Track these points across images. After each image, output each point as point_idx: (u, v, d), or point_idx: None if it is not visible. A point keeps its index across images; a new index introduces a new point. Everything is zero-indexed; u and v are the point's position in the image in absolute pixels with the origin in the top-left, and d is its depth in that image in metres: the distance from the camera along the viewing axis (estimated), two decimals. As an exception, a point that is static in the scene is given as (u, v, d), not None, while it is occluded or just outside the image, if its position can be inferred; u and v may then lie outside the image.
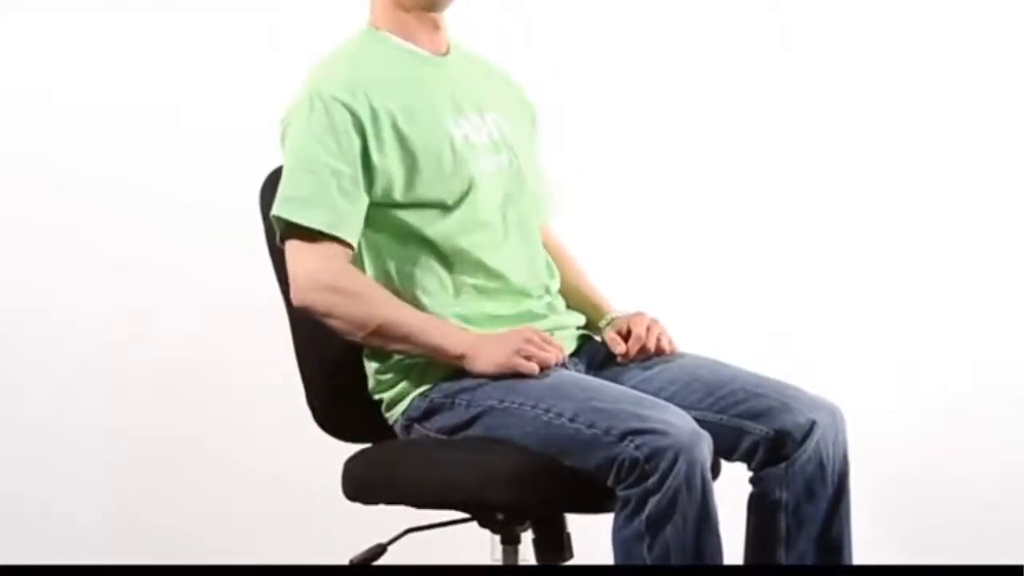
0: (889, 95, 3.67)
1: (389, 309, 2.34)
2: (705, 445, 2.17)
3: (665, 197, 3.68)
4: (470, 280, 2.41)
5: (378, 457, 2.44)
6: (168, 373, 3.60)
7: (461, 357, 2.33)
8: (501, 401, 2.30)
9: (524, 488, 2.25)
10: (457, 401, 2.34)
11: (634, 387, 2.39)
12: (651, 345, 2.45)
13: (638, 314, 2.50)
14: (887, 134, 3.68)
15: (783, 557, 2.33)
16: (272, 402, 3.10)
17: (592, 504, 2.25)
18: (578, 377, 2.35)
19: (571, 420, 2.22)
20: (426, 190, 2.37)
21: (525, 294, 2.45)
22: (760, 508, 2.35)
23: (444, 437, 2.36)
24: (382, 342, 2.35)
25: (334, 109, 2.33)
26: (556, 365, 2.33)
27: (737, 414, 2.34)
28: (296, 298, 2.34)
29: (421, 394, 2.38)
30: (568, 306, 2.56)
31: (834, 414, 2.35)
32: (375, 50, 2.44)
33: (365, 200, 2.35)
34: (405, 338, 2.34)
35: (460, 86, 2.47)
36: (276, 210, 2.34)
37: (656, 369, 2.44)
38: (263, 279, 2.53)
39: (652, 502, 2.14)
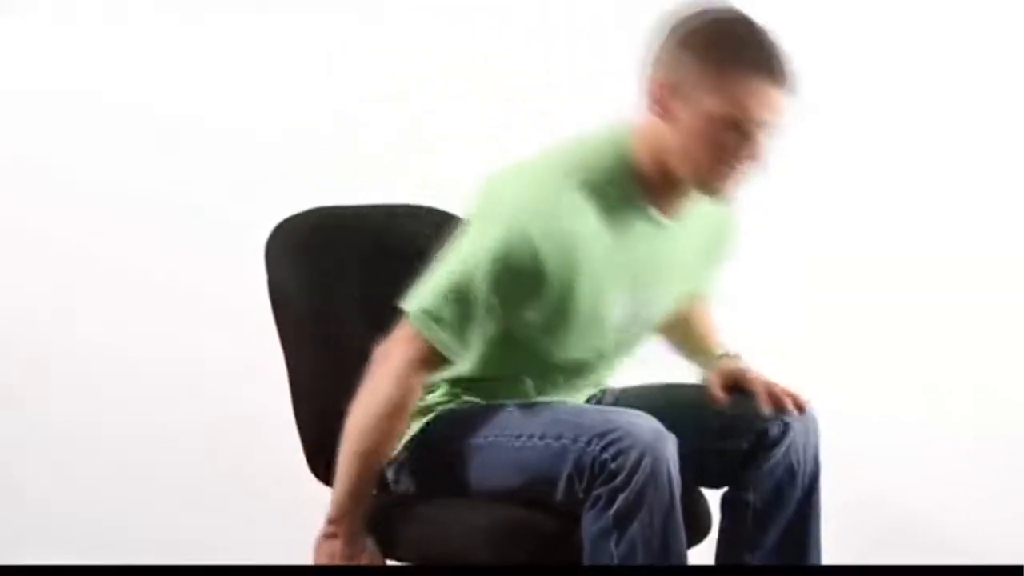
0: (890, 98, 3.67)
1: (370, 460, 2.30)
2: (670, 444, 2.19)
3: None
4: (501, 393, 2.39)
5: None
6: (169, 373, 3.60)
7: (329, 522, 2.35)
8: (485, 437, 2.30)
9: (499, 545, 2.27)
10: (439, 447, 2.36)
11: None
12: (783, 396, 2.37)
13: (743, 369, 2.43)
14: (886, 135, 3.68)
15: (749, 558, 2.35)
16: (271, 403, 3.10)
17: (568, 560, 2.26)
18: (541, 403, 2.35)
19: (540, 438, 2.25)
20: (544, 342, 2.32)
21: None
22: (729, 508, 2.39)
23: (430, 487, 2.37)
24: (343, 453, 2.33)
25: (525, 261, 2.18)
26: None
27: (714, 437, 2.37)
28: (374, 366, 2.28)
29: (403, 447, 2.39)
30: (676, 338, 2.55)
31: (807, 422, 2.37)
32: (608, 193, 2.22)
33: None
34: (342, 472, 2.32)
35: (660, 259, 2.32)
36: (415, 316, 2.24)
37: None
38: (264, 279, 2.54)
39: (620, 498, 2.16)
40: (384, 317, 2.48)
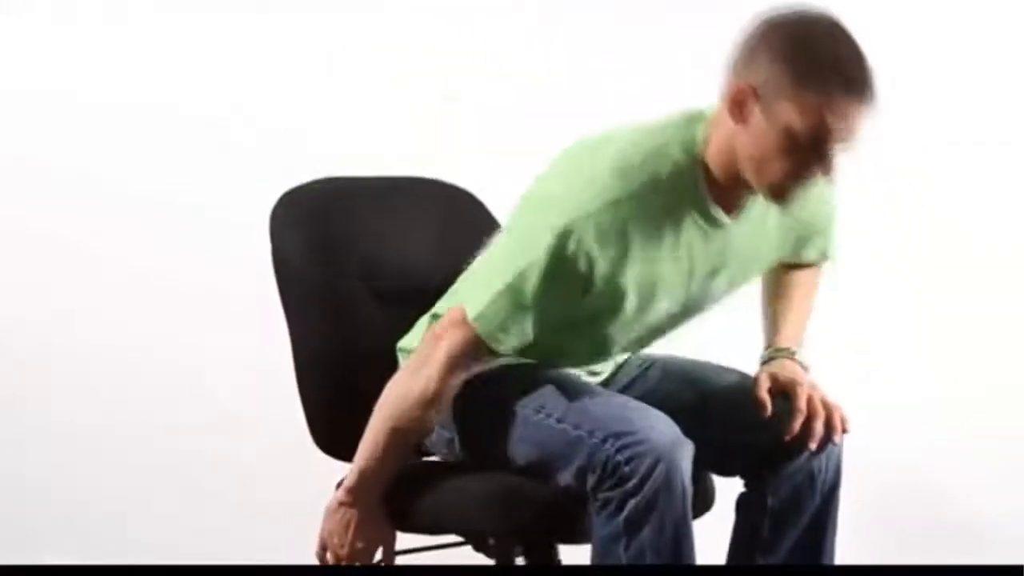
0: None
1: (402, 446, 2.30)
2: (686, 452, 2.18)
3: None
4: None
5: None
6: (169, 373, 3.60)
7: (347, 485, 2.33)
8: (511, 402, 2.29)
9: (496, 513, 2.28)
10: (469, 404, 2.33)
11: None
12: (818, 429, 2.30)
13: (795, 382, 2.35)
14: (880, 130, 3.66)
15: (761, 561, 2.35)
16: (271, 403, 3.10)
17: (565, 530, 2.27)
18: (574, 380, 2.35)
19: (559, 420, 2.23)
20: (589, 329, 2.30)
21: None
22: (746, 509, 2.38)
23: (433, 460, 2.36)
24: (375, 425, 2.32)
25: (578, 260, 2.16)
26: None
27: (736, 428, 2.35)
28: (426, 355, 2.26)
29: None
30: (763, 312, 2.51)
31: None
32: (670, 189, 2.20)
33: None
34: (371, 443, 2.31)
35: (718, 253, 2.28)
36: (468, 304, 2.23)
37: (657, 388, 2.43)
38: (266, 280, 2.54)
39: (631, 504, 2.15)
40: (387, 285, 2.50)
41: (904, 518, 3.59)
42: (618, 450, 2.15)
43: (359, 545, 2.34)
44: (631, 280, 2.21)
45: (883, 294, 3.65)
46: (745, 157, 2.17)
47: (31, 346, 3.62)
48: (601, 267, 2.18)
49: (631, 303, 2.24)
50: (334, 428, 2.45)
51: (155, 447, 3.59)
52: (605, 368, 2.47)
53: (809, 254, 2.49)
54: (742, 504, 2.39)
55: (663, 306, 2.29)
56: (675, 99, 3.62)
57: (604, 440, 2.17)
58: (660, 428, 2.17)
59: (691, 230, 2.23)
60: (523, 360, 2.35)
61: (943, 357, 3.60)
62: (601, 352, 2.38)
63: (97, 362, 3.60)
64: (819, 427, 2.31)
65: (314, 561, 2.42)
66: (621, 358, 2.49)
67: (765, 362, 2.42)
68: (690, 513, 2.18)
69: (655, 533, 2.15)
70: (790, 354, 2.42)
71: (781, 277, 2.51)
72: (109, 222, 3.60)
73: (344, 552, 2.34)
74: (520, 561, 2.39)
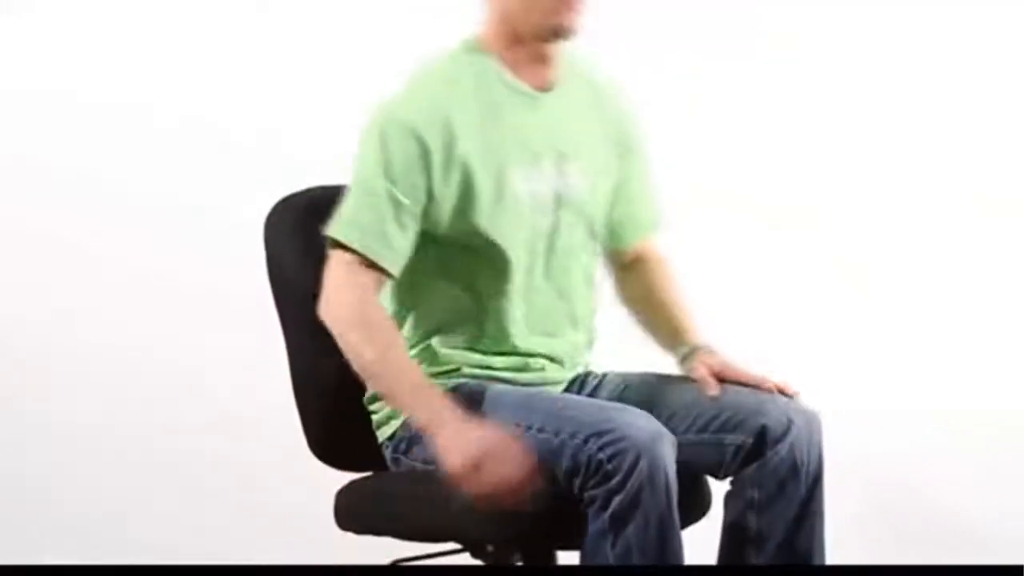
0: (879, 96, 3.66)
1: (390, 356, 2.30)
2: (667, 446, 2.19)
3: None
4: (468, 326, 2.40)
5: (367, 490, 2.44)
6: (169, 373, 3.60)
7: (424, 429, 2.28)
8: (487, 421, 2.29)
9: (494, 521, 2.26)
10: None
11: None
12: (779, 381, 2.40)
13: (727, 364, 2.43)
14: (880, 131, 3.67)
15: (753, 556, 2.35)
16: (271, 403, 3.11)
17: (564, 536, 2.26)
18: (542, 393, 2.37)
19: (540, 431, 2.24)
20: (468, 232, 2.35)
21: (526, 355, 2.44)
22: (732, 506, 2.38)
23: (431, 467, 2.32)
24: (367, 383, 2.36)
25: (408, 142, 2.30)
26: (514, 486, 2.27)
27: (716, 429, 2.36)
28: (322, 312, 2.32)
29: (404, 424, 2.37)
30: (648, 320, 2.54)
31: (809, 418, 2.36)
32: (470, 78, 2.38)
33: (416, 233, 2.34)
34: (385, 391, 2.33)
35: (548, 130, 2.41)
36: (331, 231, 2.32)
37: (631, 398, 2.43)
38: (266, 281, 2.54)
39: (616, 501, 2.17)
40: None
41: (901, 518, 3.59)
42: (600, 448, 2.17)
43: (501, 448, 2.22)
44: (472, 153, 2.33)
45: (880, 296, 3.66)
46: (518, 15, 2.36)
47: (31, 346, 3.62)
48: (434, 143, 2.31)
49: (485, 181, 2.33)
50: (330, 436, 2.45)
51: (155, 447, 3.59)
52: (561, 355, 2.46)
53: (640, 212, 2.56)
54: (729, 502, 2.39)
55: (524, 187, 2.36)
56: (675, 99, 3.66)
57: (586, 440, 2.19)
58: (640, 424, 2.19)
59: (506, 104, 2.37)
60: (482, 381, 2.38)
61: (938, 358, 3.60)
62: (505, 279, 2.38)
63: (97, 362, 3.60)
64: (784, 385, 2.39)
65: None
66: (577, 364, 2.49)
67: (685, 359, 2.46)
68: (675, 505, 2.19)
69: (640, 528, 2.17)
70: (709, 349, 2.47)
71: (643, 288, 2.57)
72: (109, 222, 3.60)
73: (494, 467, 2.21)
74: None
